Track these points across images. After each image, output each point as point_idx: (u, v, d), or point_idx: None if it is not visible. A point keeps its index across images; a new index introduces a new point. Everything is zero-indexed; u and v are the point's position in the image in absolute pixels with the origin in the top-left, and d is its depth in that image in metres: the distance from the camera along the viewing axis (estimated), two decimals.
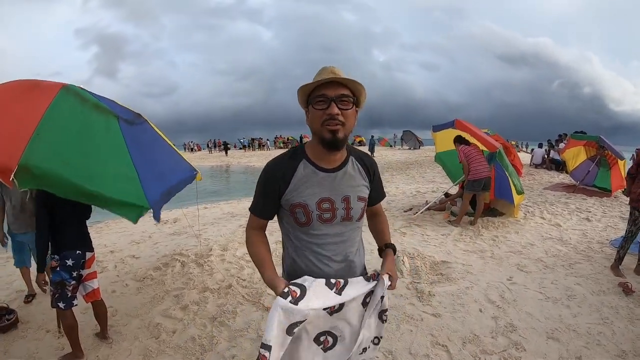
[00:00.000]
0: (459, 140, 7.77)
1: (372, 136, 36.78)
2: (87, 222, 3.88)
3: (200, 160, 35.23)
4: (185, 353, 3.60)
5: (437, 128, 9.03)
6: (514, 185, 7.30)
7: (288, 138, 51.63)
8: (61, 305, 3.58)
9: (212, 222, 8.96)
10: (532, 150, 20.04)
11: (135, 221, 3.47)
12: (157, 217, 3.59)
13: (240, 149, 53.11)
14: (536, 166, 18.03)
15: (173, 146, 4.58)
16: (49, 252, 3.64)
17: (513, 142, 17.90)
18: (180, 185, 4.13)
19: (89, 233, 3.88)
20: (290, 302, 1.59)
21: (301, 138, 51.63)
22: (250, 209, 1.96)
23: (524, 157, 19.50)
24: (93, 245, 3.87)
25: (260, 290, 4.72)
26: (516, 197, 7.38)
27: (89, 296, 3.88)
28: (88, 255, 3.79)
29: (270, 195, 1.85)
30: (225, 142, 46.26)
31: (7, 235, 5.02)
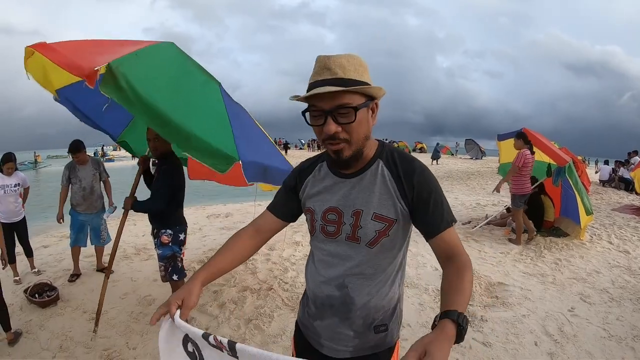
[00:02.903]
0: (523, 137, 7.04)
1: (438, 143, 36.17)
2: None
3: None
4: None
5: (502, 137, 8.64)
6: (583, 205, 6.86)
7: None
8: (175, 277, 3.93)
9: None
10: (597, 164, 19.32)
11: (225, 171, 3.32)
12: (248, 177, 3.49)
13: (301, 148, 53.45)
14: (603, 183, 17.18)
15: (271, 140, 4.54)
16: (158, 226, 3.92)
17: (580, 157, 17.13)
18: (276, 171, 3.82)
19: None
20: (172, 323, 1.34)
21: None
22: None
23: (590, 174, 18.68)
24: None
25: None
26: (584, 218, 6.93)
27: None
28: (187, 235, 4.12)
29: (288, 189, 1.71)
30: (286, 141, 46.64)
31: (67, 214, 5.32)
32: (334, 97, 1.30)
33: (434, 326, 1.12)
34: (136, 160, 4.39)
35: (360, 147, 1.42)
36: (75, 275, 5.30)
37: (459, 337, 1.08)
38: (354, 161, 1.45)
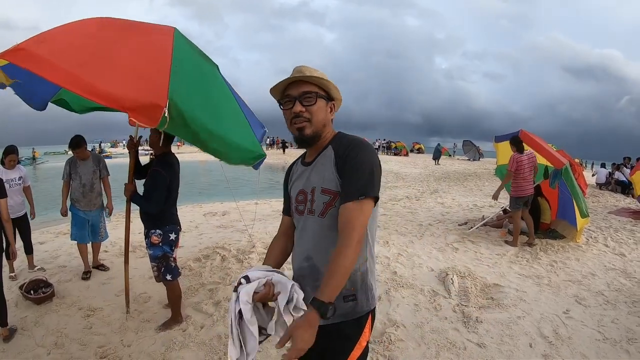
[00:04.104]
0: (515, 143, 7.15)
1: (439, 144, 36.25)
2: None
3: None
4: (209, 350, 3.60)
5: (500, 138, 8.62)
6: (579, 207, 6.87)
7: None
8: (169, 277, 3.88)
9: (260, 219, 8.95)
10: (593, 167, 19.38)
11: (253, 164, 3.65)
12: (258, 167, 3.87)
13: (299, 147, 53.56)
14: (600, 186, 17.20)
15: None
16: (148, 227, 3.87)
17: (577, 160, 17.18)
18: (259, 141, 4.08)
19: None
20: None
21: None
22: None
23: (587, 177, 18.72)
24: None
25: None
26: (580, 221, 6.93)
27: None
28: (180, 234, 4.05)
29: (285, 189, 2.04)
30: (284, 140, 46.52)
31: (69, 210, 5.34)
32: (300, 86, 1.73)
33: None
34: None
35: (319, 130, 1.77)
36: (87, 272, 5.31)
37: (324, 317, 1.43)
38: (314, 142, 1.79)
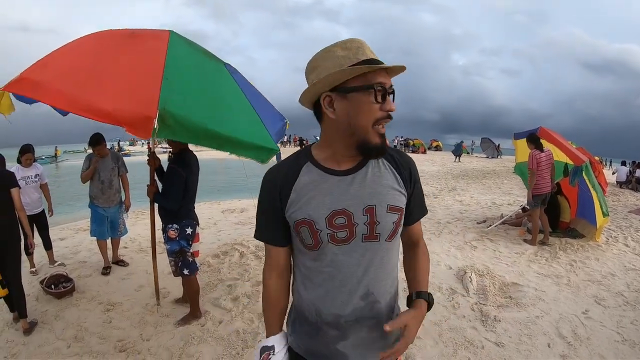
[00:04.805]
0: (533, 140, 6.99)
1: (462, 141, 36.16)
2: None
3: None
4: (227, 345, 3.63)
5: (519, 135, 8.49)
6: (599, 206, 6.78)
7: None
8: (186, 272, 3.93)
9: None
10: (612, 165, 19.08)
11: (266, 161, 3.50)
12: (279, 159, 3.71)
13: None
14: (620, 185, 16.93)
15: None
16: (165, 222, 3.91)
17: (597, 158, 16.99)
18: (278, 134, 4.04)
19: None
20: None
21: None
22: (255, 236, 1.53)
23: (607, 175, 18.48)
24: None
25: None
26: (600, 219, 6.83)
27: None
28: (198, 229, 4.09)
29: (272, 211, 1.44)
30: (301, 137, 46.52)
31: (87, 206, 5.40)
32: (387, 76, 1.31)
33: (409, 302, 1.45)
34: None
35: None
36: (107, 268, 5.40)
37: (429, 310, 1.44)
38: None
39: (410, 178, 1.48)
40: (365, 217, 1.35)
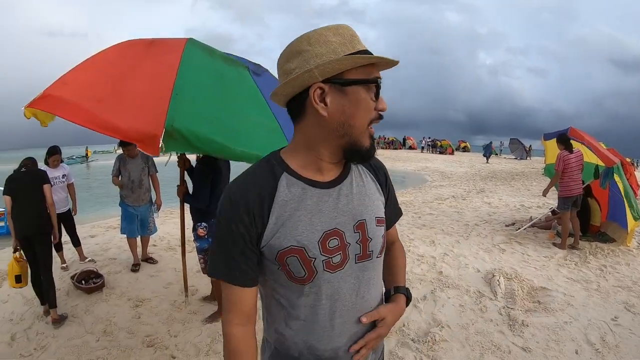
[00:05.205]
0: (563, 141, 6.82)
1: (491, 142, 35.80)
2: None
3: None
4: None
5: (548, 136, 8.33)
6: (630, 209, 6.62)
7: (391, 139, 50.59)
8: None
9: None
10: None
11: None
12: None
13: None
14: None
15: None
16: (195, 220, 3.99)
17: (628, 159, 16.57)
18: None
19: None
20: None
21: (404, 139, 50.26)
22: (213, 273, 1.22)
23: (639, 177, 18.04)
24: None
25: None
26: (631, 223, 6.65)
27: None
28: None
29: (242, 242, 1.14)
30: None
31: (118, 205, 5.56)
32: (379, 71, 1.15)
33: (387, 297, 1.38)
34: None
35: None
36: (137, 265, 5.53)
37: (407, 305, 1.39)
38: None
39: (385, 182, 1.38)
40: (357, 235, 1.20)
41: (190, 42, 3.22)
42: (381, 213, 1.29)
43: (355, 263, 1.20)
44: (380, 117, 1.15)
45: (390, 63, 1.13)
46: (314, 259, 1.13)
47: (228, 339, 1.21)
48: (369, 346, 1.25)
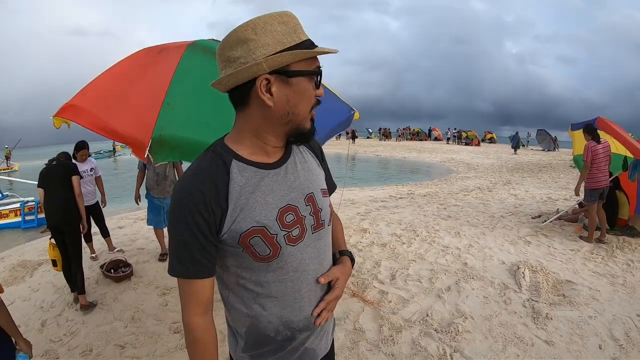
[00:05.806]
0: (590, 131, 6.69)
1: (517, 132, 35.41)
2: None
3: (327, 147, 35.88)
4: None
5: (576, 126, 8.13)
6: None
7: (416, 130, 50.40)
8: None
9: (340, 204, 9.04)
10: None
11: None
12: None
13: (368, 137, 53.18)
14: None
15: (326, 86, 4.18)
16: None
17: None
18: (339, 127, 4.02)
19: None
20: None
21: (430, 131, 49.86)
22: (172, 272, 1.22)
23: None
24: None
25: (367, 282, 4.76)
26: None
27: None
28: None
29: (201, 235, 1.16)
30: (353, 130, 46.53)
31: (144, 197, 5.74)
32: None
33: (334, 260, 1.47)
34: None
35: None
36: (164, 255, 5.66)
37: (352, 266, 1.53)
38: None
39: (322, 156, 1.49)
40: (309, 207, 1.30)
41: (192, 45, 3.25)
42: (324, 185, 1.41)
43: (312, 233, 1.30)
44: (318, 102, 1.23)
45: (331, 52, 1.19)
46: (275, 235, 1.20)
47: (189, 328, 1.26)
48: (329, 307, 1.37)
